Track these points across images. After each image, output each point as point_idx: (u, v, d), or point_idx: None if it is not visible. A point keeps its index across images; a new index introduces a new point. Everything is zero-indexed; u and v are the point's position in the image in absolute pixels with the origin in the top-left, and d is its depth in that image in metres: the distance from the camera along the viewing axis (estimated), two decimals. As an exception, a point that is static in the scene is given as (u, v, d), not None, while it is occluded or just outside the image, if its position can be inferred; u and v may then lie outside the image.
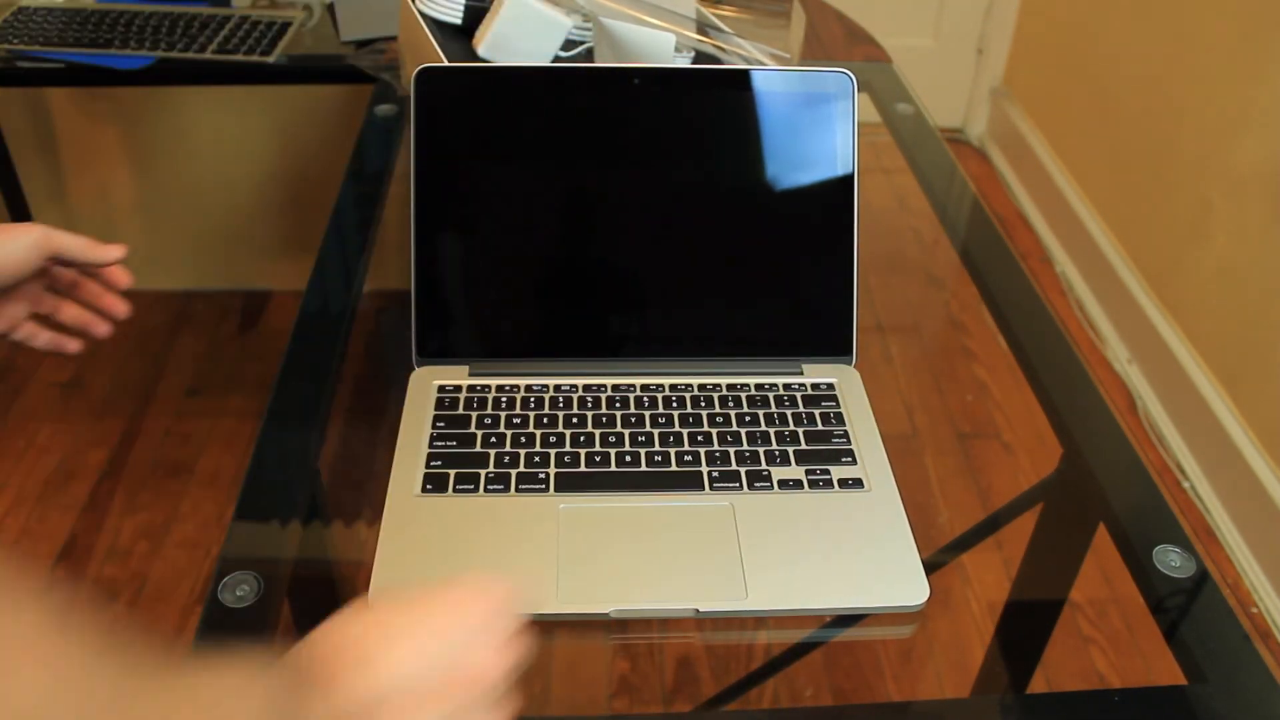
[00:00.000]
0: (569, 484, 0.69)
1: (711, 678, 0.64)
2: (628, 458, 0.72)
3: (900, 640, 0.65)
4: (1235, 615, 0.65)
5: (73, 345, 0.79)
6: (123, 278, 0.78)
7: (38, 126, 1.82)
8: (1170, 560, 0.68)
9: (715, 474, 0.71)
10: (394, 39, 1.35)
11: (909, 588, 0.64)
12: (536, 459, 0.71)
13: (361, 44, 1.36)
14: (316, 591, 0.66)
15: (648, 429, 0.74)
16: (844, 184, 0.79)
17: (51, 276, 0.76)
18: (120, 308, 0.79)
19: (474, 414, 0.74)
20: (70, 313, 0.79)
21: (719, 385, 0.78)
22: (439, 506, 0.68)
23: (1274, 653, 0.63)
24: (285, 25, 1.40)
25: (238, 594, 0.63)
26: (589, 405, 0.75)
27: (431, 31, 0.93)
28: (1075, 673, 0.64)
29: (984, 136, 2.63)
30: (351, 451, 0.76)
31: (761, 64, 0.96)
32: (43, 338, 0.78)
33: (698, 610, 0.63)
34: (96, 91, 1.79)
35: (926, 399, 0.85)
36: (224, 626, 0.62)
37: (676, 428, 0.74)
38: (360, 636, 0.44)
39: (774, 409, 0.76)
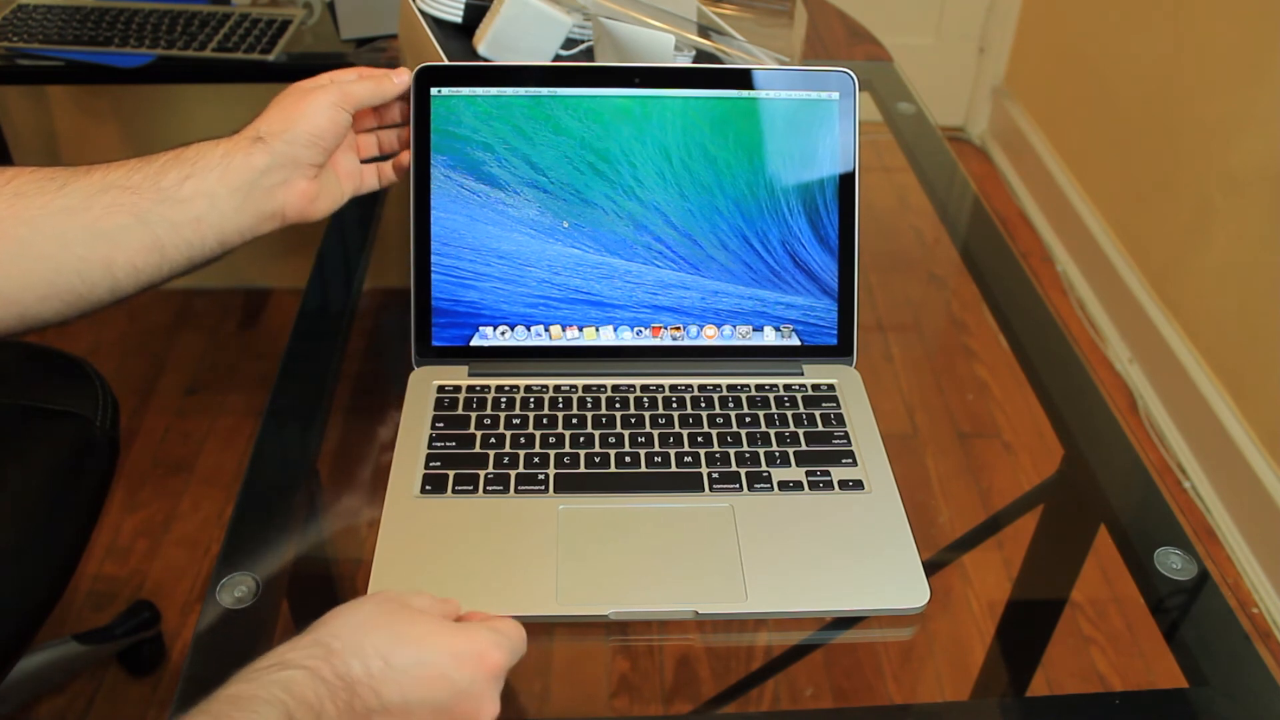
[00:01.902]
0: (568, 485, 0.69)
1: (712, 678, 0.64)
2: (627, 459, 0.71)
3: (901, 641, 0.65)
4: (1236, 616, 0.65)
5: (399, 170, 0.78)
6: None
7: (37, 124, 1.82)
8: (1171, 563, 0.68)
9: (715, 475, 0.70)
10: (394, 37, 1.35)
11: (909, 590, 0.64)
12: (536, 460, 0.71)
13: (362, 42, 1.36)
14: (315, 593, 0.66)
15: (647, 430, 0.73)
16: (845, 183, 0.79)
17: None
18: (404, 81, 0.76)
19: (473, 414, 0.74)
20: (369, 141, 0.78)
21: (719, 386, 0.77)
22: (438, 507, 0.68)
23: (1274, 653, 0.63)
24: (285, 23, 1.40)
25: (236, 595, 0.63)
26: (589, 406, 0.75)
27: (431, 30, 0.93)
28: (1076, 672, 0.64)
29: (985, 135, 2.63)
30: (351, 451, 0.76)
31: (762, 64, 0.96)
32: (369, 177, 0.77)
33: (697, 612, 0.62)
34: (96, 89, 1.78)
35: (927, 398, 0.85)
36: (222, 628, 0.61)
37: (676, 428, 0.74)
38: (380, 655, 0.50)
39: (774, 410, 0.76)
